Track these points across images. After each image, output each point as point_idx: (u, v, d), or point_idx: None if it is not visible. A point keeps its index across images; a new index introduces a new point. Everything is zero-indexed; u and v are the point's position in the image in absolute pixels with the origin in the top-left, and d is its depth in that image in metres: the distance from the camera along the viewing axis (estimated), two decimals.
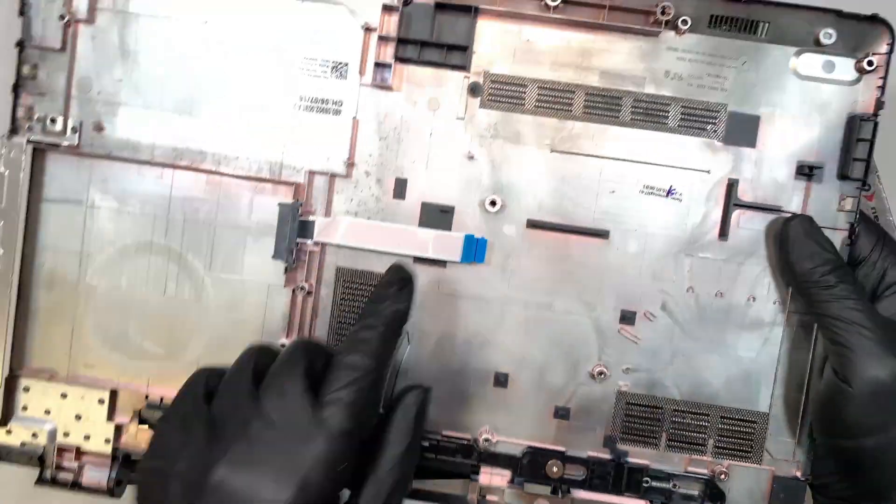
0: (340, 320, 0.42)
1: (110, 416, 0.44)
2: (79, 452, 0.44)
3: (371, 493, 0.34)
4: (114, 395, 0.44)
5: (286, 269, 0.42)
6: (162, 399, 0.43)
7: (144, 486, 0.35)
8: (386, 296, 0.37)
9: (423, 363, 0.42)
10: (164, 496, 0.33)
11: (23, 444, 0.44)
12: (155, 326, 0.43)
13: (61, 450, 0.44)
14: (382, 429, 0.36)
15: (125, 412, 0.44)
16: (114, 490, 0.44)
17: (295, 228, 0.42)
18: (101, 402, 0.43)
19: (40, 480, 0.44)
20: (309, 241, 0.42)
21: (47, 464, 0.44)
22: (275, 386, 0.34)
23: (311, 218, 0.42)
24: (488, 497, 0.42)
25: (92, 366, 0.44)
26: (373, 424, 0.35)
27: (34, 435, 0.44)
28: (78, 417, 0.44)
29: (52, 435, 0.44)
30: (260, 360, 0.35)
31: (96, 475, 0.44)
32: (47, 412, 0.44)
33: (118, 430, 0.44)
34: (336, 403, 0.33)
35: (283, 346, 0.41)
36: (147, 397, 0.44)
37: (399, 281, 0.37)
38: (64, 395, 0.44)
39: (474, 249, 0.41)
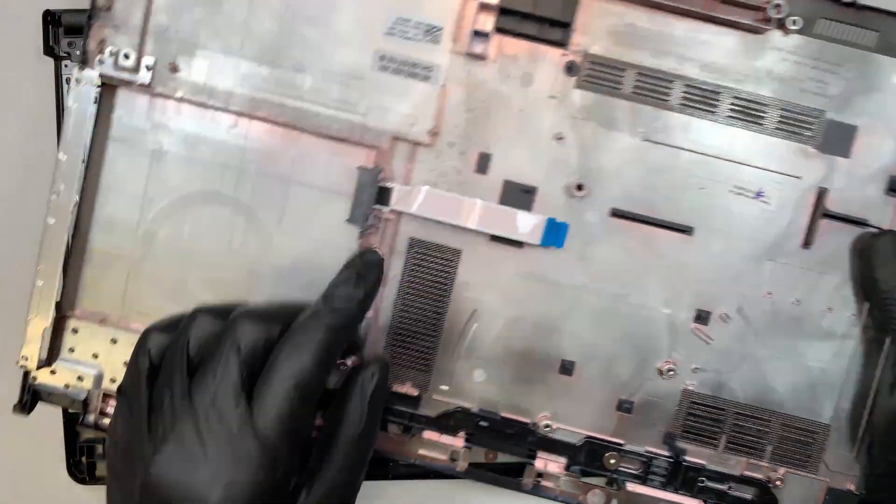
0: (408, 290, 0.41)
1: None
2: None
3: (320, 490, 0.34)
4: None
5: (360, 235, 0.41)
6: None
7: (107, 454, 0.36)
8: (348, 287, 0.35)
9: (488, 344, 0.42)
10: (116, 478, 0.35)
11: (67, 387, 0.43)
12: (215, 279, 0.42)
13: (106, 396, 0.43)
14: (336, 410, 0.35)
15: None
16: None
17: (373, 195, 0.41)
18: None
19: (83, 424, 0.43)
20: (385, 209, 0.41)
21: (91, 408, 0.43)
22: (205, 384, 0.33)
23: (389, 185, 0.41)
24: (543, 483, 0.42)
25: (146, 313, 0.42)
26: (314, 423, 0.35)
27: (79, 378, 0.43)
28: (126, 364, 0.42)
29: (99, 380, 0.43)
30: (202, 332, 0.34)
31: None
32: (95, 356, 0.43)
33: None
34: (270, 412, 0.32)
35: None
36: None
37: (369, 268, 0.37)
38: (114, 341, 0.42)
39: (555, 234, 0.40)
